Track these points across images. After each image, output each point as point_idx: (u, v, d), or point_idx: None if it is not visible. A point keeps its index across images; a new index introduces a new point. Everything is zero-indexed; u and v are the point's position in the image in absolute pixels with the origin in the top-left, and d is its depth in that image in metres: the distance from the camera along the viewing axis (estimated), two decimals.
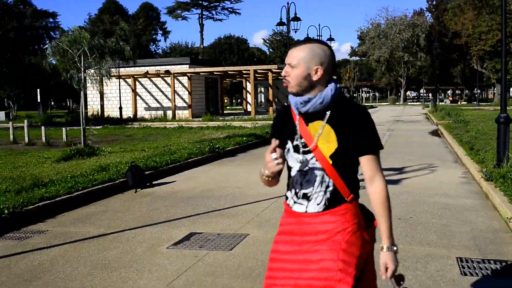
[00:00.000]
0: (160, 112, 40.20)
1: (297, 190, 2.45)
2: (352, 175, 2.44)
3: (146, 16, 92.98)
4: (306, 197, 2.42)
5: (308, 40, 2.45)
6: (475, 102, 64.02)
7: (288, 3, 23.73)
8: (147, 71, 39.33)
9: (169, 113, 39.60)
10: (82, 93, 14.53)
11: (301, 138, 2.42)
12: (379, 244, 2.40)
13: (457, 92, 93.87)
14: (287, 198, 2.52)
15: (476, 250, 5.21)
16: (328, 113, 2.41)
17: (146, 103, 41.53)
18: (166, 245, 5.60)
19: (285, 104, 2.61)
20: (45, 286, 4.51)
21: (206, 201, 7.99)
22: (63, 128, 18.46)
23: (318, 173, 2.39)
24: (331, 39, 33.38)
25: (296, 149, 2.43)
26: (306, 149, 2.41)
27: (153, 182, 9.79)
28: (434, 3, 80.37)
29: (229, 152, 14.39)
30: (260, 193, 8.30)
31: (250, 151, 15.19)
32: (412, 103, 77.37)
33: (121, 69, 33.80)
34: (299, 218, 2.43)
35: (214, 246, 5.50)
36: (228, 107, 74.18)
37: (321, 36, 33.97)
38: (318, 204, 2.39)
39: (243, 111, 50.97)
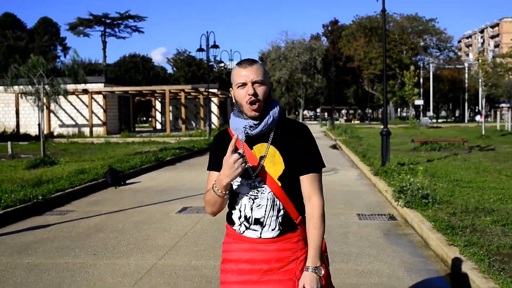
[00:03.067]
0: (75, 129, 41.63)
1: (248, 216, 2.35)
2: (299, 196, 2.40)
3: (45, 31, 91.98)
4: (259, 222, 2.33)
5: (254, 59, 2.36)
6: (367, 121, 70.20)
7: (207, 32, 26.91)
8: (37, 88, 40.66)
9: (84, 129, 41.11)
10: (40, 112, 16.68)
11: (247, 162, 2.32)
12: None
13: (351, 111, 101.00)
14: (232, 223, 2.41)
15: (367, 210, 8.51)
16: (272, 134, 2.36)
17: (61, 120, 42.76)
18: (172, 213, 8.43)
19: (224, 129, 2.50)
20: (110, 233, 7.20)
21: (177, 192, 10.79)
22: (9, 142, 20.31)
23: (269, 196, 2.32)
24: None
25: (244, 174, 2.33)
26: (254, 173, 2.33)
27: (125, 182, 12.42)
28: (330, 29, 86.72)
29: (169, 161, 17.16)
30: None
31: (185, 161, 17.99)
32: (310, 122, 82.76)
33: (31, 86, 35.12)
34: (251, 245, 2.35)
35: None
36: (135, 125, 75.51)
37: (233, 60, 37.20)
38: (272, 230, 2.32)
39: (152, 129, 53.19)
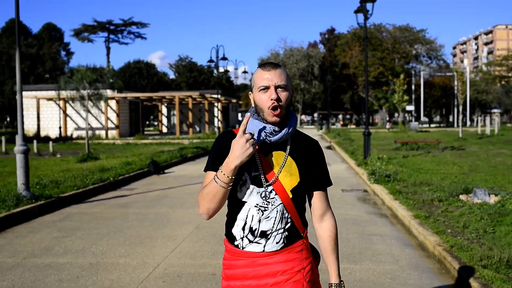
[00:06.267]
0: (90, 132, 45.02)
1: (254, 228, 2.24)
2: (304, 211, 2.35)
3: (49, 36, 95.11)
4: (264, 235, 2.23)
5: (278, 64, 2.27)
6: (362, 126, 73.52)
7: (217, 46, 30.45)
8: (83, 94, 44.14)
9: (98, 132, 44.48)
10: (87, 114, 20.10)
11: (261, 169, 2.24)
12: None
13: (347, 116, 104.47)
14: (234, 238, 2.29)
15: (348, 187, 11.94)
16: (289, 143, 2.29)
17: (76, 124, 46.12)
18: None
19: (228, 130, 2.38)
20: (174, 199, 10.57)
21: None
22: (50, 143, 23.78)
23: (279, 208, 2.23)
24: (245, 71, 40.16)
25: (255, 181, 2.23)
26: (267, 182, 2.23)
27: (162, 172, 15.84)
28: (326, 36, 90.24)
29: (191, 157, 20.60)
30: None
31: (202, 158, 21.41)
32: (307, 126, 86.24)
33: (53, 92, 38.48)
34: (252, 260, 2.24)
35: None
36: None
37: (237, 68, 40.68)
38: (277, 243, 2.24)
39: (158, 132, 56.62)
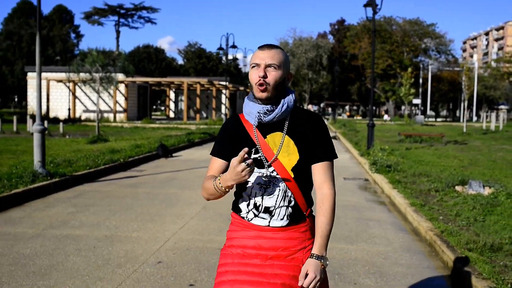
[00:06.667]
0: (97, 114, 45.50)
1: (258, 204, 2.34)
2: (310, 189, 2.41)
3: (59, 18, 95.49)
4: (268, 211, 2.33)
5: (279, 46, 2.35)
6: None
7: (227, 33, 30.83)
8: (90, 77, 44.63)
9: (106, 115, 44.96)
10: (98, 97, 20.58)
11: (260, 151, 2.33)
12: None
13: (354, 108, 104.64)
14: (239, 210, 2.41)
15: (351, 176, 12.35)
16: (286, 123, 2.36)
17: (85, 106, 46.61)
18: None
19: (234, 114, 2.50)
20: (182, 181, 11.01)
21: None
22: (60, 124, 24.29)
23: (281, 186, 2.32)
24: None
25: (256, 162, 2.33)
26: (267, 163, 2.32)
27: (171, 155, 16.28)
28: (336, 27, 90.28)
29: (198, 143, 21.06)
30: None
31: (209, 143, 21.85)
32: None
33: (64, 74, 38.93)
34: (258, 232, 2.35)
35: None
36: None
37: (246, 56, 40.97)
38: (281, 219, 2.32)
39: (165, 117, 57.09)
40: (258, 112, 2.32)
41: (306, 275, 2.24)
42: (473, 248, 5.54)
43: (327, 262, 2.31)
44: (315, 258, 2.27)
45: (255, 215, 2.35)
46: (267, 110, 2.31)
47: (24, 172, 9.70)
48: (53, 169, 10.49)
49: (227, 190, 2.31)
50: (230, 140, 2.42)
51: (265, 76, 2.28)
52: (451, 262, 5.26)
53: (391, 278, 5.07)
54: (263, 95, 2.30)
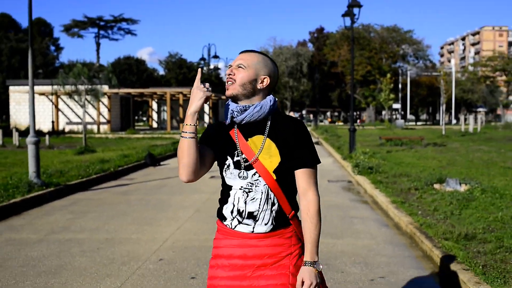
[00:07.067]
0: (80, 126, 45.60)
1: (241, 209, 2.35)
2: (293, 191, 2.42)
3: (39, 31, 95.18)
4: (252, 216, 2.33)
5: (261, 52, 2.44)
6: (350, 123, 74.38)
7: (209, 44, 31.30)
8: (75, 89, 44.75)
9: (90, 127, 45.05)
10: (84, 109, 20.86)
11: (241, 153, 2.36)
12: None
13: (335, 114, 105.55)
14: (224, 219, 2.42)
15: (334, 179, 12.84)
16: (267, 126, 2.39)
17: (68, 118, 46.67)
18: (206, 178, 12.66)
19: (217, 121, 2.50)
20: (172, 187, 11.40)
21: None
22: (46, 136, 24.50)
23: (263, 189, 2.33)
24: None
25: (237, 165, 2.36)
26: (247, 163, 2.34)
27: (158, 164, 16.63)
28: (315, 35, 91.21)
29: None
30: None
31: None
32: None
33: (46, 87, 39.06)
34: (242, 240, 2.35)
35: None
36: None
37: (226, 65, 41.38)
38: (266, 224, 2.33)
39: (148, 127, 57.32)
40: (232, 110, 2.38)
41: (303, 283, 2.27)
42: (449, 237, 6.02)
43: (321, 266, 2.35)
44: (308, 265, 2.30)
45: (239, 222, 2.36)
46: (240, 109, 2.36)
47: (19, 183, 10.03)
48: (47, 179, 10.81)
49: (191, 126, 2.29)
50: (211, 140, 2.48)
51: (230, 74, 2.39)
52: (430, 251, 5.74)
53: (375, 267, 5.53)
54: (228, 91, 2.38)
